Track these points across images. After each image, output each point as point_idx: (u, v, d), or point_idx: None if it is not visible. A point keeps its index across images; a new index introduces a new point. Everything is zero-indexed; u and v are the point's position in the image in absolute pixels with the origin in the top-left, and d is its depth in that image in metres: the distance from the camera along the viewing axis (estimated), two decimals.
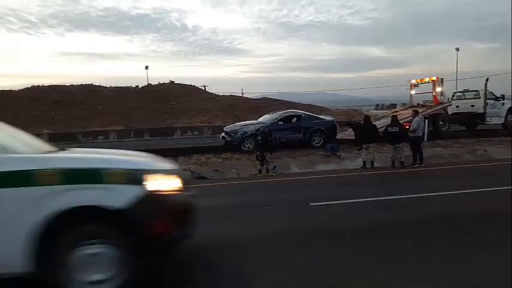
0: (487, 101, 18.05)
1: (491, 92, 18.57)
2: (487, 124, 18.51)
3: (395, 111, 18.13)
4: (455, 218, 5.54)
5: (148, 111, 31.16)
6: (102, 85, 37.64)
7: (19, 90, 34.40)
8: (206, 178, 10.49)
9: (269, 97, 41.31)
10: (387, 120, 13.11)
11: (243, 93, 42.36)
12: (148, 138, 24.13)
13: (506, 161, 11.50)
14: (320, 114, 17.79)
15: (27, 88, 34.89)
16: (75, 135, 23.77)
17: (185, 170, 11.00)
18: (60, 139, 22.41)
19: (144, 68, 41.26)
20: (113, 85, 37.55)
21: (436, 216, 5.73)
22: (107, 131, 25.20)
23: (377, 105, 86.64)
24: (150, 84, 38.67)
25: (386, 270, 3.73)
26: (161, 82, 39.28)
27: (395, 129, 11.11)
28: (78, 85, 36.70)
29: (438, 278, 3.50)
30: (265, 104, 34.91)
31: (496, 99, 18.74)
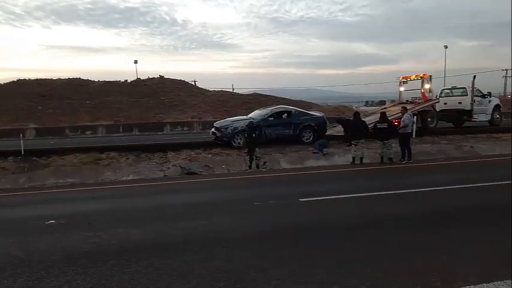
0: (474, 98, 18.31)
1: (478, 89, 18.84)
2: (474, 121, 18.80)
3: (385, 108, 18.28)
4: (444, 214, 5.63)
5: (138, 106, 30.81)
6: (90, 79, 37.06)
7: (4, 84, 33.65)
8: (196, 174, 10.45)
9: (260, 93, 41.23)
10: (377, 117, 13.20)
11: (233, 89, 42.23)
12: (137, 133, 23.88)
13: (492, 158, 11.74)
14: (310, 110, 17.83)
15: (13, 82, 34.15)
16: (62, 129, 23.40)
17: (175, 165, 10.97)
18: (47, 133, 22.08)
19: (133, 62, 40.68)
20: (102, 79, 37.02)
21: (425, 211, 5.81)
22: (95, 126, 24.86)
23: (367, 101, 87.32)
24: (139, 78, 38.21)
25: (375, 266, 3.77)
26: (150, 77, 38.84)
27: (384, 125, 11.21)
28: (65, 79, 36.07)
29: (427, 273, 3.55)
30: (256, 99, 34.80)
31: (483, 96, 19.03)
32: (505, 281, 3.29)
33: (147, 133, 23.40)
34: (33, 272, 3.84)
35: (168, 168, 10.82)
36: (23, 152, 12.07)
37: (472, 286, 3.23)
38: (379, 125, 11.31)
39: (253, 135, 11.13)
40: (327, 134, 14.65)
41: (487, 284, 3.24)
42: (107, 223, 5.67)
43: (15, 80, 34.77)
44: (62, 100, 30.51)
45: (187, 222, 5.60)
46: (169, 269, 3.82)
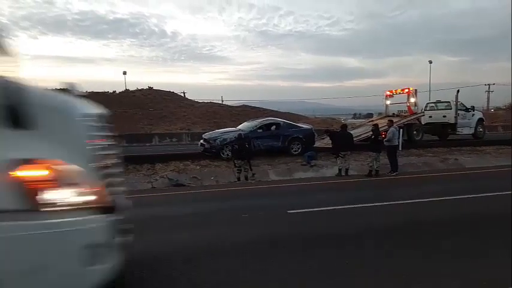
0: (458, 111, 18.77)
1: (462, 103, 19.33)
2: (458, 134, 19.21)
3: (372, 121, 18.58)
4: (427, 225, 5.70)
5: (126, 117, 30.62)
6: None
7: None
8: (184, 185, 10.39)
9: (249, 105, 41.47)
10: (364, 129, 13.37)
11: (222, 101, 42.37)
12: (125, 144, 23.64)
13: (476, 170, 11.99)
14: (299, 123, 17.99)
15: None
16: None
17: (163, 177, 10.89)
18: None
19: (121, 73, 40.54)
20: (89, 90, 36.77)
21: (408, 223, 5.88)
22: None
23: (354, 114, 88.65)
24: (128, 89, 38.12)
25: (360, 278, 3.80)
26: (139, 88, 38.79)
27: (380, 138, 11.19)
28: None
29: (410, 285, 3.59)
30: (245, 111, 34.99)
31: (467, 110, 19.51)
32: None
33: (135, 144, 23.19)
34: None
35: (156, 179, 10.74)
36: None
37: None
38: (380, 138, 11.20)
39: (246, 146, 11.18)
40: (315, 146, 14.78)
41: None
42: None
43: None
44: None
45: (174, 234, 5.55)
46: (155, 282, 3.78)
